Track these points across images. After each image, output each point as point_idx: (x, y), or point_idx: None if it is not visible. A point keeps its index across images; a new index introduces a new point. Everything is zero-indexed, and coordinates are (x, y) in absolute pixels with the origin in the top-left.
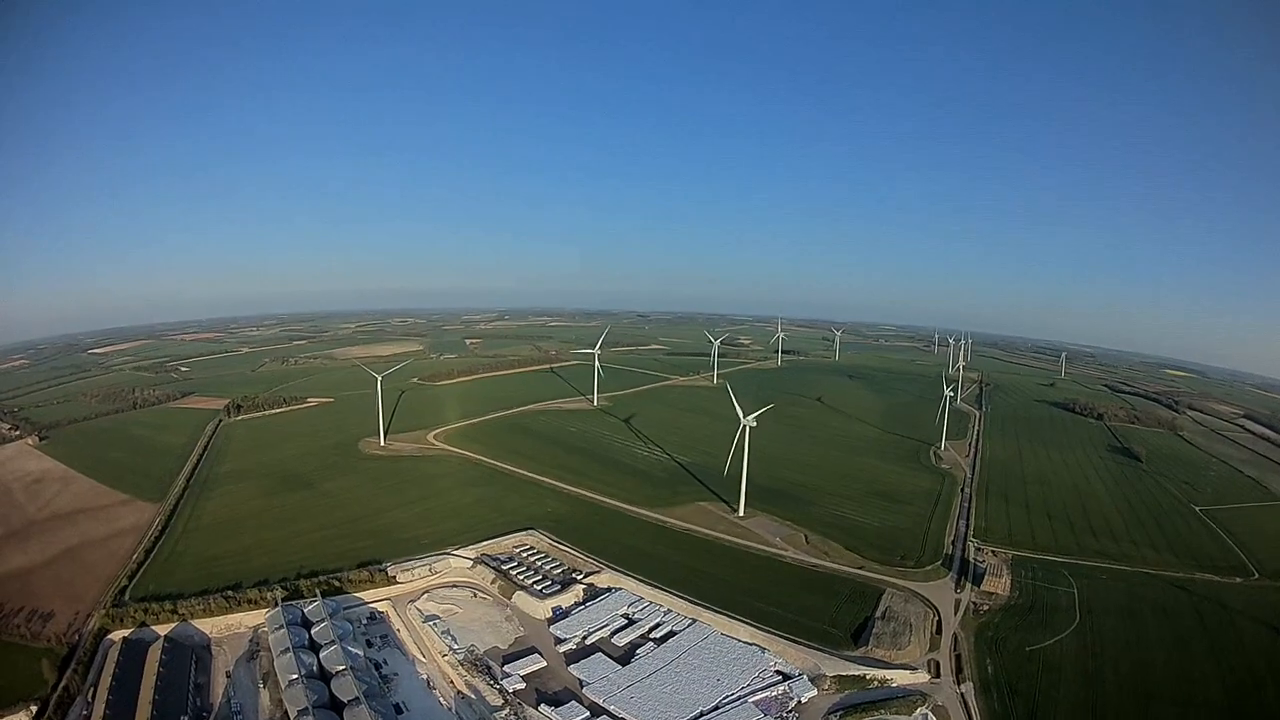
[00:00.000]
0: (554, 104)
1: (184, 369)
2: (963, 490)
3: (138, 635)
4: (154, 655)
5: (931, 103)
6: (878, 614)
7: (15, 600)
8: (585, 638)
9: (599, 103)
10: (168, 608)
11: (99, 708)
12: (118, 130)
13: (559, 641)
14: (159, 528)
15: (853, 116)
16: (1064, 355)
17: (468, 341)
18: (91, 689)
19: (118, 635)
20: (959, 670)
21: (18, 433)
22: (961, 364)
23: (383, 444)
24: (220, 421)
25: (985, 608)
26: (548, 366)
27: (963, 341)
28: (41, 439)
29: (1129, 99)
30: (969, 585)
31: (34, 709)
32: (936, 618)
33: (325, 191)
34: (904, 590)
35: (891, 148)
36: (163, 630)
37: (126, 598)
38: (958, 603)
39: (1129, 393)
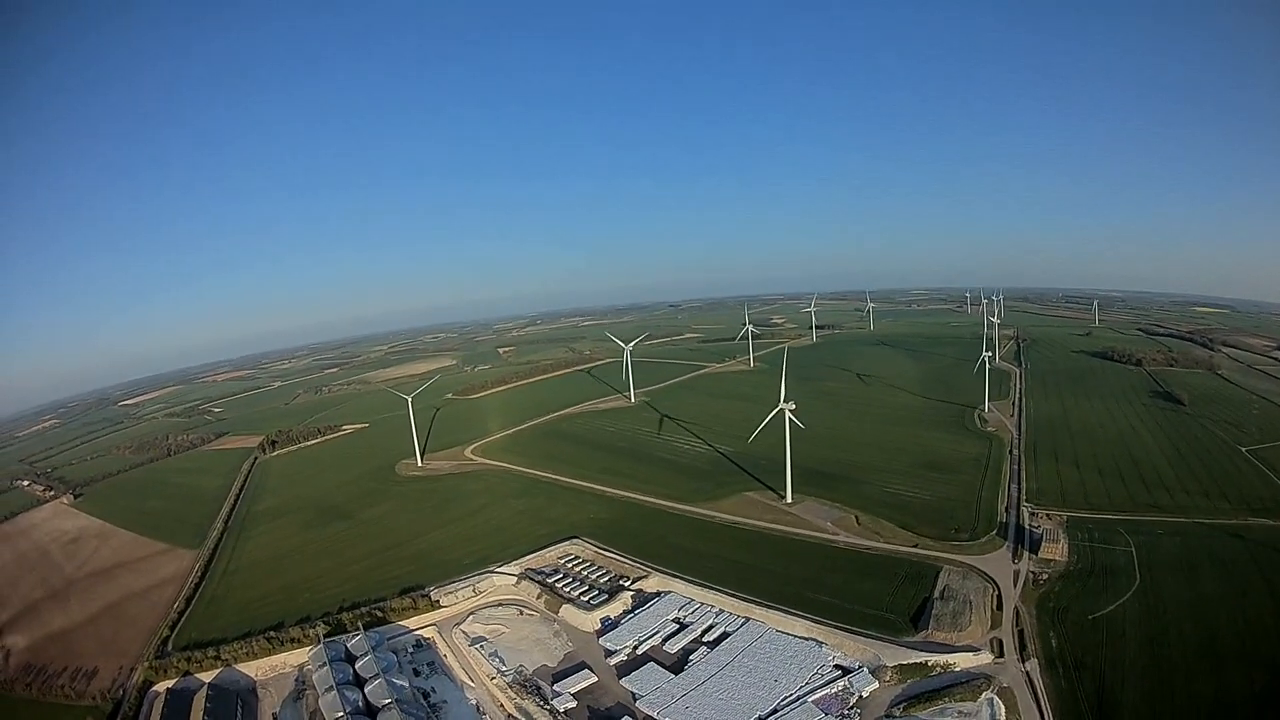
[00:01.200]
0: (568, 104)
1: (217, 410)
2: (1011, 452)
3: (182, 685)
4: (199, 704)
5: (943, 66)
6: (936, 594)
7: (59, 660)
8: (636, 647)
9: (614, 100)
10: (210, 654)
11: None
12: (119, 182)
13: (609, 654)
14: (199, 574)
15: (864, 89)
16: (1096, 303)
17: (500, 350)
18: None
19: (162, 687)
20: (1023, 647)
21: (52, 493)
22: (996, 321)
23: (420, 464)
24: (256, 459)
25: (1044, 576)
26: (582, 368)
27: (996, 298)
28: (76, 496)
29: (1143, 34)
30: (1026, 554)
31: None
32: (996, 592)
33: (348, 216)
34: (961, 565)
35: (903, 113)
36: (207, 677)
37: (169, 648)
38: (1016, 573)
39: (1163, 334)
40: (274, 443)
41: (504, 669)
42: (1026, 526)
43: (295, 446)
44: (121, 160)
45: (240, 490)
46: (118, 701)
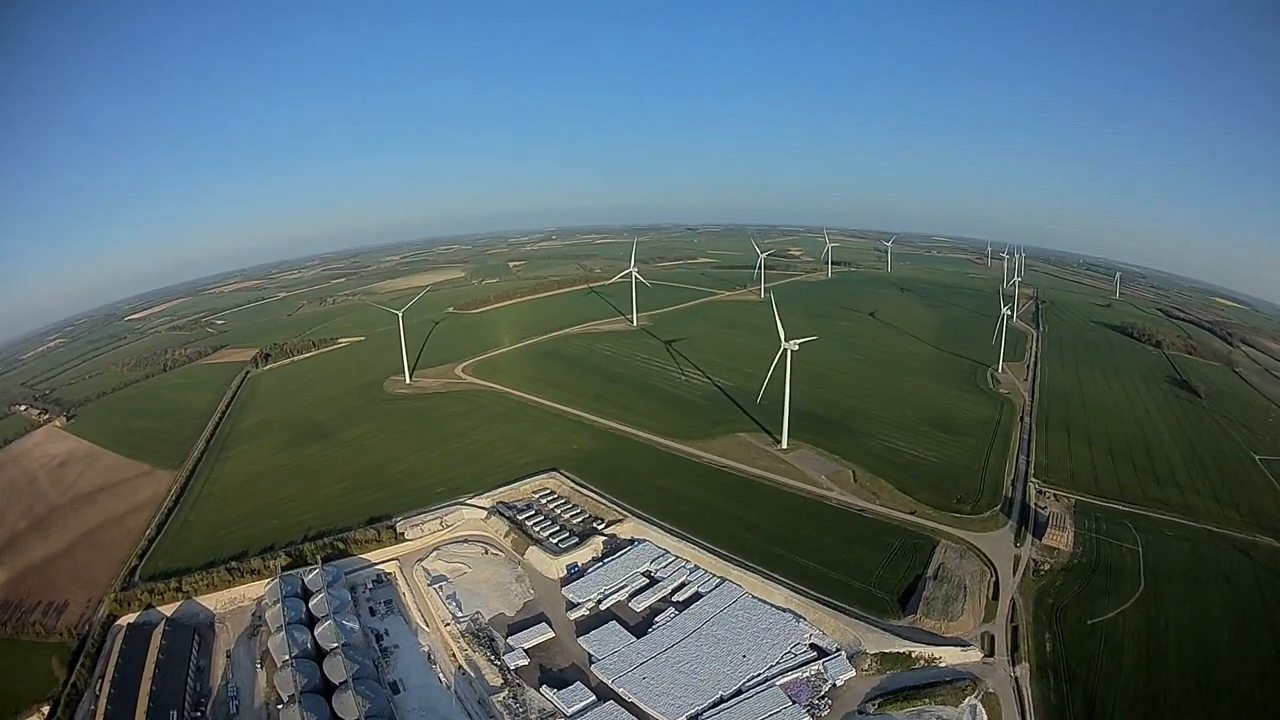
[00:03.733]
0: (592, 10)
1: (220, 322)
2: (1022, 419)
3: (144, 618)
4: (156, 640)
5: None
6: (929, 573)
7: (34, 594)
8: (600, 602)
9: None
10: (173, 586)
11: (101, 702)
12: (136, 92)
13: (571, 607)
14: (174, 498)
15: (901, 19)
16: (1119, 275)
17: (511, 265)
18: (99, 681)
19: (126, 620)
20: (1015, 648)
21: (46, 416)
22: (1017, 279)
23: (409, 382)
24: (247, 373)
25: (1046, 567)
26: (589, 286)
27: (1018, 255)
28: (69, 418)
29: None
30: (1030, 537)
31: (46, 710)
32: (994, 578)
33: (366, 123)
34: (959, 543)
35: (943, 55)
36: (169, 610)
37: (136, 578)
38: (1017, 559)
39: (1183, 319)
40: (267, 356)
41: (460, 615)
42: (1032, 506)
43: (288, 360)
44: (127, 70)
45: (227, 407)
46: (83, 637)
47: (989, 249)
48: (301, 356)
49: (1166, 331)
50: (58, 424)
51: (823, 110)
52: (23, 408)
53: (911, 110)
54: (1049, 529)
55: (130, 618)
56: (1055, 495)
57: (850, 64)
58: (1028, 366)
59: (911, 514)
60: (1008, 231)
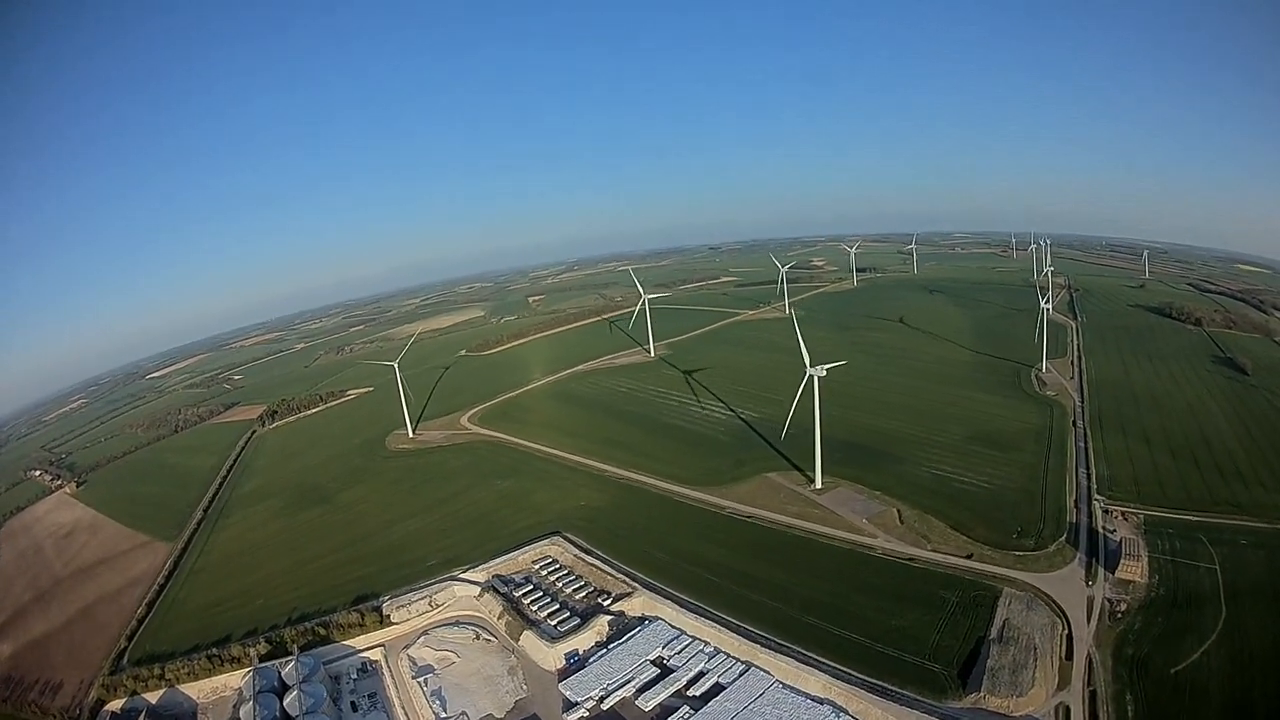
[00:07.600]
0: (588, 41)
1: (237, 377)
2: (1074, 424)
3: (131, 705)
4: None
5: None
6: (993, 633)
7: (34, 671)
8: (602, 700)
9: (642, 33)
10: (156, 673)
11: None
12: (154, 140)
13: (569, 706)
14: (166, 573)
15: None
16: (1146, 253)
17: (531, 299)
18: None
19: (114, 706)
20: (1093, 718)
21: (58, 482)
22: (1049, 268)
23: (411, 435)
24: (253, 433)
25: (1122, 606)
26: (607, 317)
27: (1045, 244)
28: (79, 485)
29: None
30: (1101, 572)
31: None
32: (1066, 630)
33: (386, 164)
34: (1025, 589)
35: (938, 48)
36: (154, 697)
37: (125, 661)
38: (1090, 601)
39: (1215, 292)
40: (274, 414)
41: (443, 716)
42: (1100, 531)
43: (295, 417)
44: (143, 128)
45: (228, 471)
46: None
47: (1013, 240)
48: (309, 412)
49: (1203, 307)
50: (68, 490)
51: (831, 116)
52: (37, 473)
53: (918, 107)
54: (1121, 558)
55: (116, 705)
56: (1122, 514)
57: (851, 66)
58: (1072, 362)
59: (968, 558)
60: (1026, 221)
